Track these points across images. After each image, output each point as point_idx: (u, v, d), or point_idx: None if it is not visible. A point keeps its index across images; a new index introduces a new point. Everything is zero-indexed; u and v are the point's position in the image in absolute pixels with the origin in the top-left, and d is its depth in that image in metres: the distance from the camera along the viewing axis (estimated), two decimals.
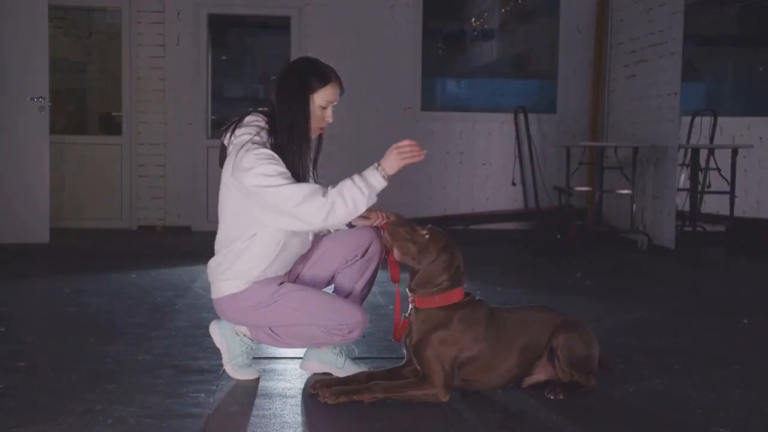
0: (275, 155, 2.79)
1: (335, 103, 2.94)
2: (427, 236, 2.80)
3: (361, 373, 2.93)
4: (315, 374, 3.10)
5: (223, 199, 2.92)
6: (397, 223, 2.83)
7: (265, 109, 2.95)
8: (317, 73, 2.90)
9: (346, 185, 2.75)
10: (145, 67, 8.18)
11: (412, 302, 2.86)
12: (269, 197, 2.74)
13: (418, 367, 2.81)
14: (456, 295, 2.82)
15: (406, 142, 2.80)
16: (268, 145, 2.82)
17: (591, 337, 2.89)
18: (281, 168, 2.76)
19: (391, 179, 2.79)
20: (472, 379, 2.83)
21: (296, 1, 8.22)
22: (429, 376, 2.76)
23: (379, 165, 2.79)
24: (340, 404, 2.72)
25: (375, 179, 2.77)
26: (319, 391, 2.76)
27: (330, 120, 2.94)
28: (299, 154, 2.85)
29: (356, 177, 2.77)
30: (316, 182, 2.99)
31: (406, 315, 2.88)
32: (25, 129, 6.86)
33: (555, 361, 2.86)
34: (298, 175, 2.84)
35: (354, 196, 2.73)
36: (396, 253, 2.84)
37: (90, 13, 8.85)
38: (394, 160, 2.79)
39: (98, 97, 8.98)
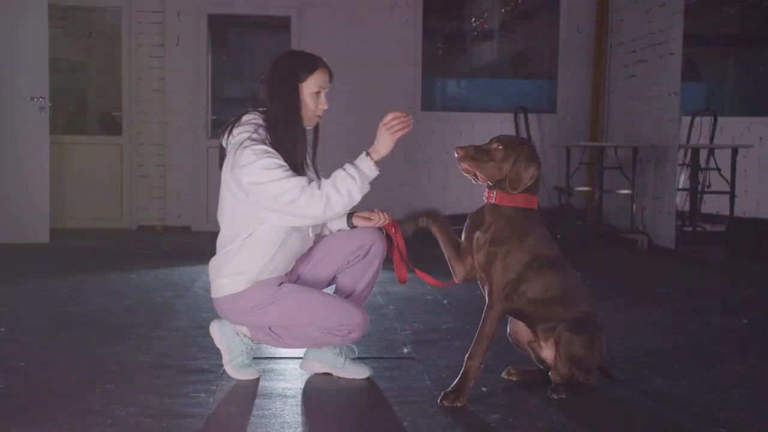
0: (273, 150, 2.79)
1: (327, 90, 2.94)
2: (500, 148, 2.80)
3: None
4: (315, 374, 3.11)
5: (223, 199, 2.93)
6: (466, 154, 2.81)
7: (263, 108, 2.96)
8: (303, 62, 2.91)
9: (339, 176, 2.77)
10: (145, 67, 8.17)
11: (488, 198, 2.85)
12: (268, 193, 2.75)
13: (480, 275, 2.84)
14: (534, 201, 2.85)
15: (390, 117, 2.80)
16: (266, 141, 2.83)
17: (596, 340, 2.88)
18: (280, 161, 2.77)
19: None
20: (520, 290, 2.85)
21: (296, 1, 8.22)
22: (490, 289, 2.81)
23: (369, 152, 2.80)
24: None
25: (366, 166, 2.78)
26: (445, 402, 2.76)
27: (325, 106, 2.94)
28: (294, 146, 2.85)
29: (348, 166, 2.78)
30: (317, 175, 3.00)
31: (480, 209, 2.90)
32: (25, 129, 6.86)
33: (556, 350, 2.87)
34: (296, 166, 2.84)
35: (348, 187, 2.75)
36: (480, 177, 2.83)
37: (90, 13, 8.84)
38: (385, 139, 2.80)
39: (98, 97, 8.98)
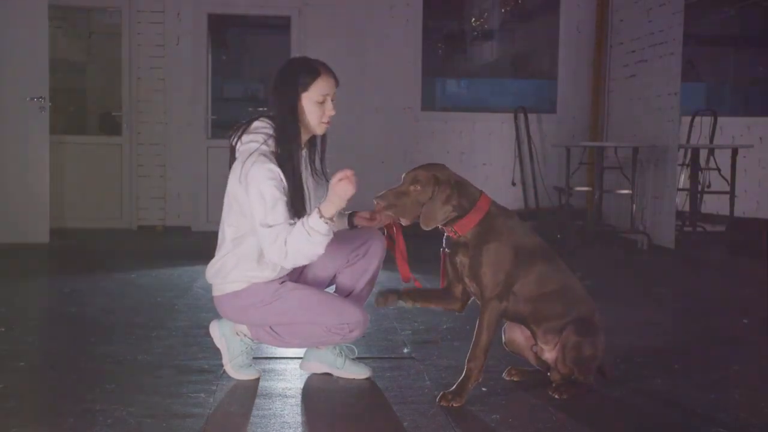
0: (279, 174, 2.78)
1: (331, 96, 2.89)
2: (418, 188, 2.76)
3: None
4: (315, 374, 3.11)
5: (227, 201, 2.92)
6: (388, 204, 2.76)
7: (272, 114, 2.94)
8: (304, 70, 2.87)
9: (299, 234, 2.72)
10: (145, 67, 8.17)
11: (451, 234, 2.82)
12: (258, 234, 2.78)
13: (469, 285, 2.84)
14: (484, 202, 2.81)
15: (337, 178, 2.72)
16: (274, 155, 2.82)
17: (598, 341, 2.88)
18: (279, 192, 2.76)
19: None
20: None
21: (296, 1, 8.22)
22: (481, 291, 2.80)
23: (318, 209, 2.74)
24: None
25: (317, 224, 2.72)
26: (443, 402, 2.77)
27: (332, 113, 2.90)
28: (290, 161, 2.83)
29: (305, 222, 2.73)
30: (327, 179, 3.00)
31: (443, 247, 2.90)
32: (25, 129, 6.85)
33: (560, 352, 2.87)
34: (294, 182, 2.82)
35: (306, 239, 2.72)
36: (406, 220, 2.81)
37: (90, 13, 8.84)
38: (332, 203, 2.73)
39: (98, 97, 8.98)
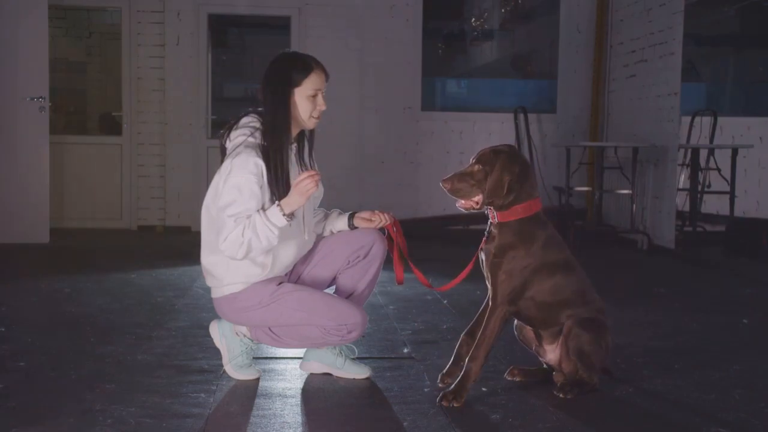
0: (262, 169, 2.79)
1: (324, 90, 2.93)
2: (479, 167, 2.79)
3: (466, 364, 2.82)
4: (315, 374, 3.11)
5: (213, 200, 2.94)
6: (453, 188, 2.81)
7: (261, 109, 2.95)
8: (297, 66, 2.89)
9: (259, 223, 2.76)
10: (145, 67, 8.17)
11: (492, 218, 2.85)
12: (221, 223, 2.80)
13: (486, 278, 2.85)
14: (536, 205, 2.82)
15: (303, 176, 2.78)
16: (260, 148, 2.83)
17: (602, 339, 2.87)
18: (257, 188, 2.78)
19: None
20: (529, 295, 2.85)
21: (296, 1, 8.22)
22: (494, 293, 2.81)
23: (280, 203, 2.78)
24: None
25: (276, 218, 2.77)
26: (444, 402, 2.76)
27: (323, 107, 2.93)
28: (280, 153, 2.85)
29: (263, 214, 2.78)
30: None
31: (486, 232, 2.89)
32: (25, 129, 6.86)
33: (562, 346, 2.87)
34: (279, 174, 2.83)
35: (265, 233, 2.76)
36: (475, 202, 2.82)
37: (90, 13, 8.85)
38: (296, 198, 2.79)
39: (98, 97, 8.98)
